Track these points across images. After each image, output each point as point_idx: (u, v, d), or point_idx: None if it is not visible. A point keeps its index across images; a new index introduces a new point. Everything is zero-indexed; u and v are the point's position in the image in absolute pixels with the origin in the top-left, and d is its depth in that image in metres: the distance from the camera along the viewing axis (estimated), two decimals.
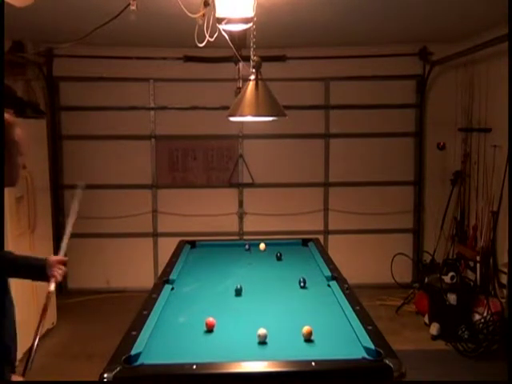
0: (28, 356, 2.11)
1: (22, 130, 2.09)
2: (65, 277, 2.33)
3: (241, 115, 3.02)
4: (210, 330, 2.56)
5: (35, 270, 2.26)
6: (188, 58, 6.04)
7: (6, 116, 2.07)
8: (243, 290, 3.19)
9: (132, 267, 6.28)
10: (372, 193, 6.33)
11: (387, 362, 2.17)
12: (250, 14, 2.70)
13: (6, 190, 2.17)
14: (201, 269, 3.86)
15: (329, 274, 3.54)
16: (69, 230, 2.42)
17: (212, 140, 6.30)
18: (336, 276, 3.48)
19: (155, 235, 6.35)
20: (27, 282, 2.36)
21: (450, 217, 5.85)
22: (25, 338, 2.15)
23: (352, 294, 3.10)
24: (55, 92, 6.11)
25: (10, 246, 4.12)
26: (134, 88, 6.17)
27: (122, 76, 6.06)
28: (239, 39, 3.55)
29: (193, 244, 4.51)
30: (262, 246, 4.37)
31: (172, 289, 3.27)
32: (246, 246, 4.37)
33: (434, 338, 4.83)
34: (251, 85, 2.96)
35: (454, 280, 4.85)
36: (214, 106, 6.03)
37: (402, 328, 5.14)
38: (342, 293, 3.11)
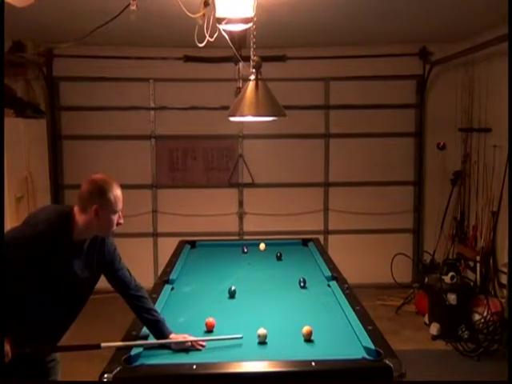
0: None
1: (120, 190, 2.25)
2: None
3: (241, 115, 3.02)
4: (209, 330, 2.56)
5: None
6: (188, 58, 6.04)
7: (103, 176, 2.26)
8: (242, 291, 3.19)
9: (132, 267, 6.24)
10: (372, 193, 6.33)
11: (387, 362, 2.17)
12: (250, 14, 2.69)
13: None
14: (201, 269, 3.86)
15: (329, 274, 3.54)
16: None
17: (212, 140, 6.29)
18: (336, 276, 3.47)
19: (155, 235, 6.35)
20: None
21: (450, 217, 5.85)
22: None
23: (352, 294, 3.10)
24: (55, 92, 6.11)
25: None
26: (133, 88, 6.17)
27: (122, 76, 6.06)
28: (239, 39, 3.54)
29: (193, 244, 4.51)
30: (262, 245, 4.37)
31: (172, 289, 3.27)
32: (245, 249, 4.27)
33: (434, 338, 4.83)
34: (251, 85, 2.96)
35: (454, 280, 4.84)
36: (214, 106, 6.03)
37: (401, 328, 5.13)
38: (342, 293, 3.11)
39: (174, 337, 2.41)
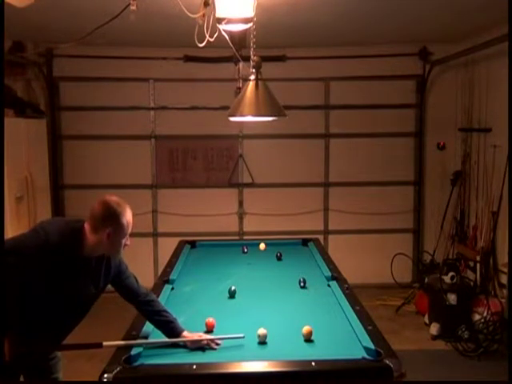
0: None
1: (131, 214, 2.27)
2: None
3: (241, 115, 3.02)
4: (209, 330, 2.55)
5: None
6: (188, 58, 6.04)
7: (117, 199, 2.27)
8: (242, 291, 3.19)
9: (132, 267, 6.24)
10: (372, 193, 6.33)
11: (387, 362, 2.17)
12: (250, 14, 2.69)
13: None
14: (201, 269, 3.86)
15: (329, 274, 3.54)
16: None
17: (212, 140, 6.29)
18: (336, 276, 3.48)
19: (155, 235, 6.35)
20: None
21: (450, 217, 5.85)
22: None
23: (352, 294, 3.10)
24: (55, 92, 6.11)
25: None
26: (133, 88, 6.16)
27: (122, 76, 6.06)
28: (239, 39, 3.54)
29: (193, 244, 4.51)
30: (262, 245, 4.37)
31: (172, 289, 3.27)
32: (245, 249, 4.28)
33: (434, 338, 4.83)
34: (251, 85, 2.96)
35: (454, 280, 4.84)
36: (214, 106, 6.03)
37: (401, 328, 5.14)
38: (342, 293, 3.11)
39: (189, 335, 2.41)
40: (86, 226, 2.24)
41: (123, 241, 2.28)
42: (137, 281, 2.53)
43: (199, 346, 2.38)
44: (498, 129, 5.04)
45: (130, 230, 2.29)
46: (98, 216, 2.22)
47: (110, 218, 2.21)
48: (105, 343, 2.32)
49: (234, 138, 6.28)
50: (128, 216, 2.27)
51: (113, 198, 2.28)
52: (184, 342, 2.40)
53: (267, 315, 2.83)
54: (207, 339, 2.40)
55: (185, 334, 2.42)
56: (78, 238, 2.21)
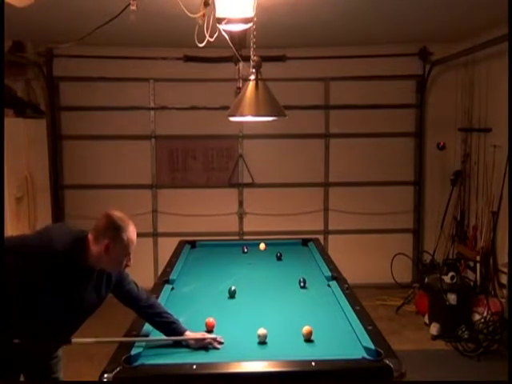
0: None
1: (135, 234, 2.25)
2: None
3: (241, 115, 3.02)
4: (209, 330, 2.56)
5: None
6: (188, 58, 6.04)
7: (122, 215, 2.26)
8: (242, 291, 3.19)
9: (132, 267, 6.24)
10: (372, 193, 6.33)
11: (387, 362, 2.17)
12: (250, 14, 2.69)
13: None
14: (201, 269, 3.86)
15: (329, 274, 3.55)
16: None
17: (212, 140, 6.29)
18: (336, 276, 3.48)
19: (155, 235, 6.35)
20: None
21: (450, 217, 5.85)
22: None
23: (352, 294, 3.10)
24: (55, 92, 6.10)
25: None
26: (133, 88, 6.16)
27: (122, 76, 6.06)
28: (239, 39, 3.54)
29: (193, 244, 4.51)
30: (262, 245, 4.37)
31: (172, 289, 3.27)
32: (245, 249, 4.30)
33: (434, 338, 4.83)
34: (251, 85, 2.96)
35: (454, 280, 4.84)
36: (214, 106, 6.03)
37: (401, 328, 5.14)
38: (342, 293, 3.11)
39: (191, 335, 2.42)
40: (90, 236, 2.24)
41: (123, 258, 2.26)
42: (137, 286, 2.53)
43: (202, 345, 2.38)
44: (497, 129, 5.04)
45: (131, 249, 2.27)
46: (100, 227, 2.23)
47: (110, 230, 2.21)
48: (74, 340, 2.33)
49: (234, 138, 6.28)
50: (130, 233, 2.24)
51: (118, 213, 2.29)
52: (180, 340, 2.40)
53: (267, 315, 2.83)
54: (210, 338, 2.40)
55: (187, 333, 2.42)
56: (80, 248, 2.21)
